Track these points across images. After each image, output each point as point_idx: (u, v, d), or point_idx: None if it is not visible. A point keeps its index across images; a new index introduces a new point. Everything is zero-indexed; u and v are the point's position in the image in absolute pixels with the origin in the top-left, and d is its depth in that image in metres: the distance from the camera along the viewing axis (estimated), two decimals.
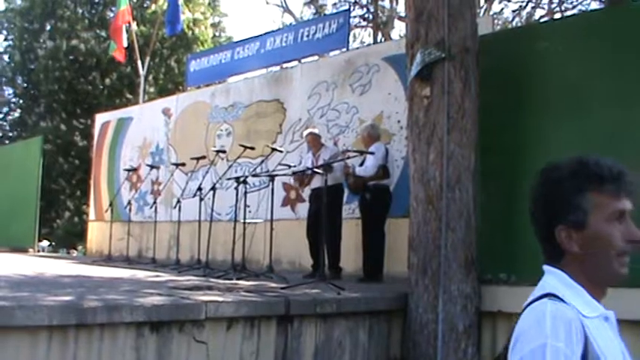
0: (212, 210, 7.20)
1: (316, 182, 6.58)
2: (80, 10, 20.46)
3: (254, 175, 7.19)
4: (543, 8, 17.22)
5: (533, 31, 5.97)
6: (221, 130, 9.77)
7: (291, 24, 18.00)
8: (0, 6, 28.09)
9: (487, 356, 4.81)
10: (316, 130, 7.12)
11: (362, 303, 4.71)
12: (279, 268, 7.03)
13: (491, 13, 16.55)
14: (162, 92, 18.49)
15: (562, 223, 1.30)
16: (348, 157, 6.30)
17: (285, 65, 9.91)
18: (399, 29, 19.00)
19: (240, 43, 10.46)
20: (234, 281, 5.58)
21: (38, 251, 13.39)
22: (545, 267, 1.35)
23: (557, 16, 15.37)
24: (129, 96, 19.19)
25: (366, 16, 18.78)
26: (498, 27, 13.49)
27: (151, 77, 19.34)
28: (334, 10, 17.21)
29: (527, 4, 17.10)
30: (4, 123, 22.38)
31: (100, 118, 12.63)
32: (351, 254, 6.79)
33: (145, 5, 20.14)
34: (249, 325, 3.98)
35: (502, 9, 17.65)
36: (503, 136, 5.12)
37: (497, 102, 5.15)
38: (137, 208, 10.41)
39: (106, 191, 11.81)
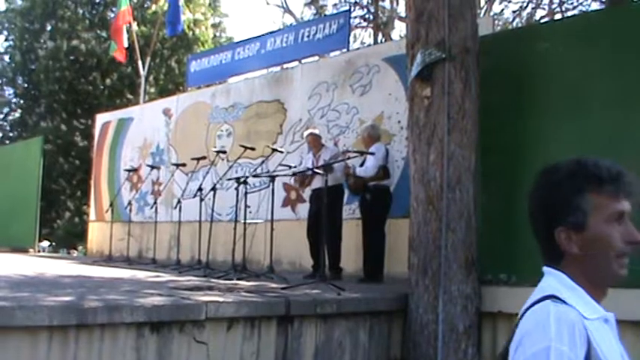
0: (212, 210, 7.20)
1: (317, 183, 6.58)
2: (81, 11, 20.48)
3: (254, 176, 7.19)
4: (544, 9, 17.23)
5: (534, 32, 5.97)
6: (221, 131, 9.77)
7: (291, 24, 17.99)
8: (1, 6, 28.13)
9: (487, 357, 4.81)
10: (317, 131, 7.12)
11: (362, 303, 4.71)
12: (280, 269, 7.03)
13: (491, 13, 16.56)
14: (163, 92, 18.50)
15: (562, 224, 1.29)
16: (349, 158, 6.30)
17: (285, 66, 9.92)
18: (399, 30, 19.03)
19: (241, 43, 10.46)
20: (234, 281, 5.58)
21: (38, 251, 13.39)
22: (545, 268, 1.35)
23: (558, 16, 15.36)
24: (129, 96, 19.20)
25: (367, 16, 18.78)
26: (499, 27, 13.50)
27: (151, 78, 19.35)
28: (335, 11, 17.22)
29: (527, 5, 17.11)
30: (5, 123, 22.40)
31: (101, 119, 12.63)
32: (351, 255, 6.79)
33: (146, 6, 20.14)
34: (250, 326, 3.98)
35: (502, 9, 17.65)
36: (503, 137, 5.12)
37: (498, 102, 5.15)
38: (137, 209, 10.41)
39: (106, 191, 11.81)
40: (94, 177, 12.41)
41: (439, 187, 4.90)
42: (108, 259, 9.03)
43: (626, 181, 1.28)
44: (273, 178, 6.25)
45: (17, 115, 22.05)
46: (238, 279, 5.80)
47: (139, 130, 11.39)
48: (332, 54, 8.98)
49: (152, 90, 19.37)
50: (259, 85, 9.38)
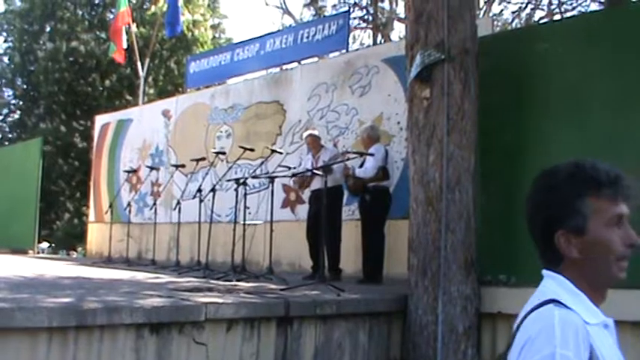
0: (212, 211, 7.20)
1: (316, 184, 6.58)
2: (80, 12, 20.46)
3: (254, 177, 7.19)
4: (543, 9, 17.23)
5: (533, 33, 5.98)
6: (221, 132, 9.77)
7: (290, 25, 18.00)
8: (0, 7, 28.10)
9: (487, 357, 4.81)
10: (316, 132, 7.13)
11: (362, 304, 4.71)
12: (279, 270, 7.03)
13: (490, 14, 16.56)
14: (162, 94, 18.49)
15: (561, 228, 1.29)
16: (348, 159, 6.30)
17: (284, 67, 9.93)
18: (398, 31, 19.04)
19: (240, 44, 10.47)
20: (233, 283, 5.58)
21: (38, 253, 13.38)
22: (545, 271, 1.35)
23: (557, 17, 15.38)
24: (128, 97, 19.19)
25: (366, 17, 18.79)
26: (498, 28, 13.50)
27: (150, 79, 19.34)
28: (334, 12, 17.22)
29: (526, 6, 17.12)
30: (4, 124, 22.37)
31: (100, 120, 12.64)
32: (350, 256, 6.79)
33: (145, 7, 20.14)
34: (249, 327, 3.98)
35: (502, 10, 17.65)
36: (503, 138, 5.12)
37: (497, 103, 5.15)
38: (137, 210, 10.41)
39: (105, 193, 11.81)
40: (93, 178, 12.41)
41: (438, 188, 4.90)
42: (107, 261, 9.02)
43: (625, 185, 1.28)
44: (272, 179, 6.25)
45: (16, 116, 22.03)
46: (238, 280, 5.80)
47: (139, 131, 11.39)
48: (331, 55, 8.98)
49: (151, 91, 19.35)
50: (258, 86, 9.38)
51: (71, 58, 19.20)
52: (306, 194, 7.53)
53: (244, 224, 6.57)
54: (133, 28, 15.60)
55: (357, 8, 18.32)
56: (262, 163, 7.44)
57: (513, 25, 17.02)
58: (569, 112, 4.85)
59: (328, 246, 6.09)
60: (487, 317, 4.87)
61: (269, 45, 9.57)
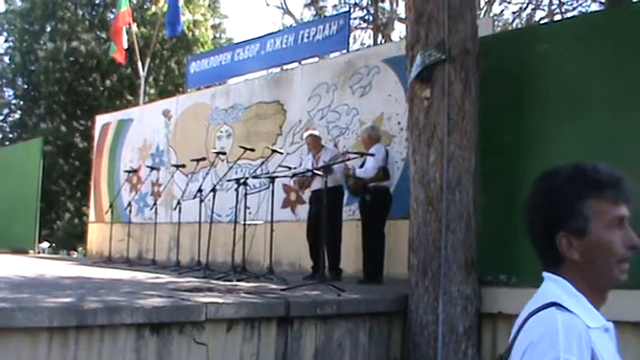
0: (212, 211, 7.20)
1: (316, 184, 6.58)
2: (81, 12, 20.47)
3: (254, 177, 7.18)
4: (543, 10, 17.24)
5: (534, 33, 5.98)
6: (221, 132, 9.77)
7: (291, 25, 18.01)
8: (0, 7, 28.13)
9: (487, 358, 4.81)
10: (316, 132, 7.13)
11: (362, 304, 4.71)
12: (280, 270, 7.03)
13: (491, 14, 16.56)
14: (163, 94, 18.50)
15: (562, 229, 1.28)
16: (349, 159, 6.30)
17: (285, 67, 9.93)
18: (399, 31, 19.05)
19: (241, 44, 10.47)
20: (234, 283, 5.58)
21: (38, 252, 13.39)
22: (545, 273, 1.34)
23: (558, 17, 15.38)
24: (129, 97, 19.20)
25: (367, 17, 18.79)
26: (498, 28, 13.49)
27: (151, 79, 19.35)
28: (334, 12, 17.22)
29: (527, 6, 17.12)
30: (5, 124, 22.38)
31: (101, 120, 12.64)
32: (351, 256, 6.79)
33: (146, 7, 20.14)
34: (250, 327, 3.98)
35: (502, 10, 17.65)
36: (503, 138, 5.12)
37: (498, 103, 5.15)
38: (137, 210, 10.41)
39: (106, 193, 11.81)
40: (93, 178, 12.41)
41: (439, 188, 4.90)
42: (108, 260, 9.02)
43: (625, 186, 1.28)
44: (272, 180, 6.25)
45: (17, 116, 22.05)
46: (238, 280, 5.80)
47: (139, 131, 11.39)
48: (332, 55, 8.98)
49: (152, 91, 19.37)
50: (259, 87, 9.38)
51: (72, 58, 19.22)
52: (306, 194, 7.53)
53: (245, 224, 6.57)
54: (134, 28, 15.61)
55: (357, 8, 18.33)
56: (263, 163, 7.44)
57: (514, 25, 17.03)
58: (569, 112, 4.85)
59: (328, 246, 6.09)
60: (487, 317, 4.87)
61: (269, 45, 9.57)
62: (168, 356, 3.56)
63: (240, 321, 3.92)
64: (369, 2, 18.46)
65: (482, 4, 16.45)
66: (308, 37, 8.96)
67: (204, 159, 8.16)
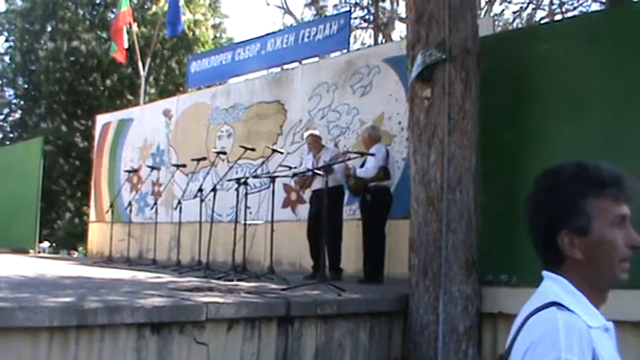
0: (213, 211, 7.20)
1: (317, 184, 6.58)
2: (81, 12, 20.48)
3: (255, 177, 7.19)
4: (544, 9, 17.24)
5: (534, 33, 5.97)
6: (222, 132, 9.77)
7: (291, 25, 18.00)
8: (1, 7, 28.14)
9: (488, 357, 4.81)
10: (317, 132, 7.12)
11: (362, 304, 4.71)
12: (280, 270, 7.04)
13: (491, 14, 16.56)
14: (163, 93, 18.50)
15: (565, 228, 1.27)
16: (349, 159, 6.30)
17: (285, 66, 9.93)
18: (399, 30, 19.05)
19: (241, 44, 10.47)
20: (234, 282, 5.58)
21: (39, 252, 13.40)
22: (545, 272, 1.33)
23: (558, 17, 15.37)
24: (129, 97, 19.21)
25: (367, 17, 18.79)
26: (499, 28, 13.50)
27: (151, 78, 19.36)
28: (335, 12, 17.23)
29: (527, 6, 17.12)
30: (5, 124, 22.39)
31: (101, 120, 12.64)
32: (351, 255, 6.79)
33: (146, 6, 20.15)
34: (250, 327, 3.98)
35: (503, 10, 17.65)
36: (504, 138, 5.12)
37: (498, 103, 5.15)
38: (138, 209, 10.41)
39: (106, 192, 11.81)
40: (94, 178, 12.42)
41: (439, 188, 4.90)
42: (108, 260, 9.03)
43: (627, 185, 1.28)
44: (273, 179, 6.25)
45: (17, 116, 22.06)
46: (238, 280, 5.80)
47: (139, 130, 11.39)
48: (332, 55, 8.98)
49: (152, 91, 19.37)
50: (259, 86, 9.38)
51: (72, 58, 19.22)
52: (307, 194, 7.53)
53: (245, 224, 6.57)
54: (134, 27, 15.61)
55: (358, 8, 18.33)
56: (263, 162, 7.44)
57: (514, 25, 17.03)
58: (570, 112, 4.84)
59: (329, 246, 6.09)
60: (488, 317, 4.87)
61: (270, 45, 9.57)
62: (169, 356, 3.56)
63: (241, 321, 3.92)
64: (370, 2, 18.46)
65: (482, 3, 16.46)
66: (308, 37, 8.96)
67: (204, 159, 8.17)
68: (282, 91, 8.93)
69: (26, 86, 21.15)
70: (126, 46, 13.39)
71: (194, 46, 19.97)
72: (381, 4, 18.52)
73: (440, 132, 4.93)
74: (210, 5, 21.96)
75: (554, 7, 16.55)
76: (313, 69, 8.83)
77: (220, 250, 8.27)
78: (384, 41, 17.55)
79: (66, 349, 3.17)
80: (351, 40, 13.92)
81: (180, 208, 7.83)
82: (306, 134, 7.18)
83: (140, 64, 14.78)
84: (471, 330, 4.77)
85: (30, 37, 20.37)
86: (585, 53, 4.86)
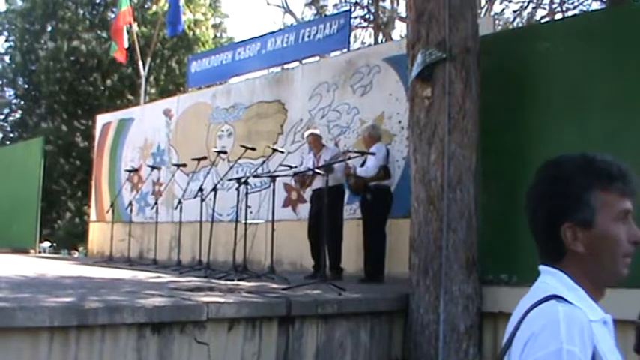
0: (213, 211, 7.19)
1: (317, 183, 6.58)
2: (81, 12, 20.48)
3: (255, 176, 7.19)
4: (544, 9, 17.24)
5: (534, 32, 5.97)
6: (222, 131, 9.77)
7: (292, 25, 17.99)
8: (1, 7, 28.15)
9: (488, 357, 4.81)
10: (317, 131, 7.12)
11: (363, 303, 4.71)
12: (281, 269, 7.04)
13: (492, 13, 16.57)
14: (164, 93, 18.50)
15: (568, 220, 1.25)
16: (349, 158, 6.30)
17: (286, 66, 9.93)
18: (400, 30, 19.03)
19: (241, 43, 10.46)
20: (235, 282, 5.58)
21: (39, 252, 13.40)
22: (542, 267, 1.32)
23: (558, 16, 15.36)
24: (130, 97, 19.21)
25: (367, 16, 18.79)
26: (499, 27, 13.50)
27: (152, 78, 19.36)
28: (335, 11, 17.23)
29: (528, 5, 17.12)
30: (6, 124, 22.41)
31: (101, 119, 12.64)
32: (352, 255, 6.79)
33: (146, 6, 20.15)
34: (251, 326, 3.98)
35: (503, 9, 17.65)
36: (504, 137, 5.12)
37: (499, 102, 5.15)
38: (138, 209, 10.42)
39: (107, 192, 11.82)
40: (94, 178, 12.42)
41: (440, 187, 4.90)
42: (109, 260, 9.02)
43: (631, 180, 1.26)
44: (273, 179, 6.25)
45: (18, 115, 22.07)
46: (239, 279, 5.80)
47: (140, 130, 11.39)
48: (332, 54, 8.98)
49: (153, 90, 19.38)
50: (260, 86, 9.38)
51: (72, 58, 19.23)
52: (307, 193, 7.53)
53: (246, 223, 6.57)
54: (135, 27, 15.61)
55: (358, 7, 18.33)
56: (263, 162, 7.44)
57: (515, 24, 17.03)
58: (570, 112, 4.84)
59: (329, 245, 6.09)
60: (488, 316, 4.87)
61: (270, 44, 9.57)
62: (170, 356, 3.56)
63: (242, 320, 3.92)
64: (370, 1, 18.46)
65: (483, 3, 16.46)
66: (309, 36, 8.96)
67: (205, 158, 8.16)
68: (282, 91, 8.93)
69: (26, 86, 21.16)
70: (126, 45, 13.38)
71: (194, 46, 19.97)
72: (381, 3, 18.52)
73: (440, 131, 4.93)
74: (210, 5, 21.97)
75: (554, 6, 16.56)
76: (313, 68, 8.83)
77: (221, 250, 8.27)
78: (384, 40, 17.54)
79: (66, 349, 3.17)
80: (352, 39, 13.95)
81: (181, 208, 7.83)
82: (306, 134, 7.18)
83: (140, 63, 14.78)
84: (471, 329, 4.77)
85: (30, 37, 20.38)
86: (586, 52, 4.86)
